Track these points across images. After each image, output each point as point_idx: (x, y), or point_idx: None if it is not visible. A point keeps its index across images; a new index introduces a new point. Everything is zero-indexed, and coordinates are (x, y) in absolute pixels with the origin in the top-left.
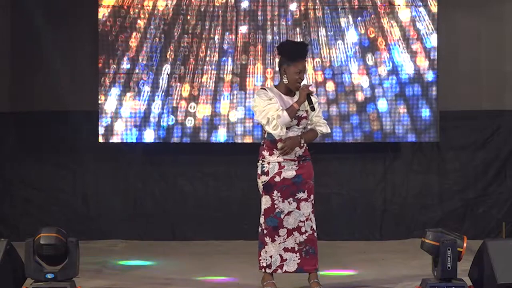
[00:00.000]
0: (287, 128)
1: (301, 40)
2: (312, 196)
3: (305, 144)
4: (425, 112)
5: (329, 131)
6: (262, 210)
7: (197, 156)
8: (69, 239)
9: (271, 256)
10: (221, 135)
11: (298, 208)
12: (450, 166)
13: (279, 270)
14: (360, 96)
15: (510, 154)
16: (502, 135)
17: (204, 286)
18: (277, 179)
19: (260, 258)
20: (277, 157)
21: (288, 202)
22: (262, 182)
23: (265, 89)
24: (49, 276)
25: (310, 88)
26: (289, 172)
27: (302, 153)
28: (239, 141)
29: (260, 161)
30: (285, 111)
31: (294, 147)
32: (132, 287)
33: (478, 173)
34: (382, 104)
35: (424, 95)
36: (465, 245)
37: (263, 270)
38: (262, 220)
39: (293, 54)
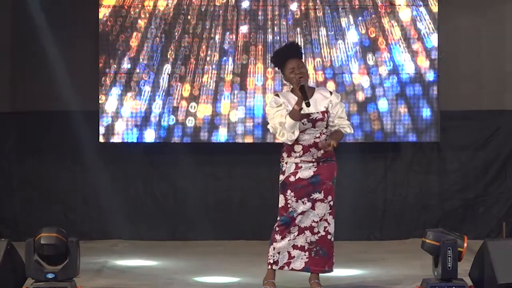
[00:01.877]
0: (303, 131)
1: (302, 40)
2: (329, 198)
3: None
4: (426, 112)
5: (352, 131)
6: (279, 208)
7: (197, 156)
8: (69, 239)
9: (279, 253)
10: (221, 135)
11: (313, 208)
12: (450, 166)
13: (286, 267)
14: (360, 96)
15: (510, 154)
16: (502, 135)
17: (204, 286)
18: (292, 178)
19: (268, 254)
20: (295, 158)
21: (303, 202)
22: (279, 181)
23: (278, 95)
24: (50, 276)
25: (305, 83)
26: (306, 172)
27: (321, 155)
28: (240, 141)
29: (281, 162)
30: (288, 115)
31: (338, 141)
32: (132, 287)
33: (478, 173)
34: (383, 104)
35: (424, 95)
36: (465, 245)
37: (269, 266)
38: (278, 218)
39: (281, 57)
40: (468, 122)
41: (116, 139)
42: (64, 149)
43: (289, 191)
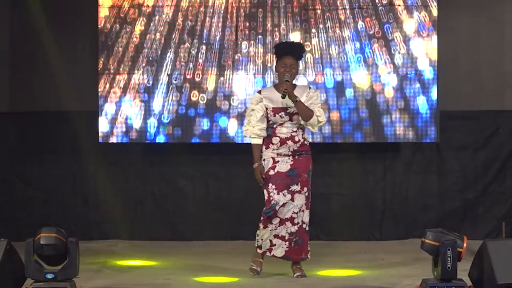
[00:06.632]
0: (281, 124)
1: (301, 39)
2: (305, 189)
3: (301, 140)
4: (425, 112)
5: (323, 120)
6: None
7: (197, 156)
8: (69, 239)
9: (262, 239)
10: (221, 135)
11: (292, 199)
12: (450, 166)
13: (268, 253)
14: (360, 96)
15: (510, 154)
16: (502, 135)
17: (204, 286)
18: (271, 172)
19: (256, 238)
20: (272, 151)
21: (283, 194)
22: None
23: (259, 92)
24: (49, 276)
25: (287, 88)
26: (283, 166)
27: (297, 148)
28: (240, 141)
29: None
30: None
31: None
32: (132, 287)
33: (478, 173)
34: (382, 104)
35: (424, 95)
36: (465, 245)
37: (256, 249)
38: (263, 209)
39: (281, 50)
40: (468, 122)
41: (115, 139)
42: (64, 149)
43: (270, 185)
